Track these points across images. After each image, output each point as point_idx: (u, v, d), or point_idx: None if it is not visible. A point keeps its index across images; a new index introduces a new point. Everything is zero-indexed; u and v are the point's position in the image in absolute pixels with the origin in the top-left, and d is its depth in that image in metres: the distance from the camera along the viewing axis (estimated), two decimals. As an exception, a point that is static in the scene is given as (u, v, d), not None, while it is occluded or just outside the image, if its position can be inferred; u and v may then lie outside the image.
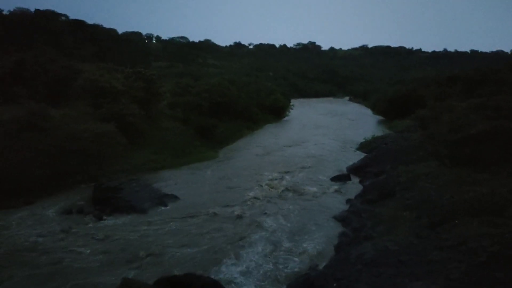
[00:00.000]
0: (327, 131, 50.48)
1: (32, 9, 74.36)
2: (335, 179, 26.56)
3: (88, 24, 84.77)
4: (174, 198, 22.26)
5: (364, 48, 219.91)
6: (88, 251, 15.70)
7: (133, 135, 30.98)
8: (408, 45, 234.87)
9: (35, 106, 26.66)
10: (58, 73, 34.92)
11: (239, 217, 19.41)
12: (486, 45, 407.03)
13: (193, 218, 19.27)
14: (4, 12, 70.97)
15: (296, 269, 14.27)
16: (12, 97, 29.93)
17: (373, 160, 29.45)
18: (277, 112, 64.27)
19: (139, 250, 15.63)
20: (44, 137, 25.30)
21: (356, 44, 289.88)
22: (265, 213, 19.90)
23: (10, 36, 56.30)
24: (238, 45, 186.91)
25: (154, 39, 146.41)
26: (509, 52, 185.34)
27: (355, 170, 28.54)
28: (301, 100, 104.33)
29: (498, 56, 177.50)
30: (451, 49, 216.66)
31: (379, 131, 45.81)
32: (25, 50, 41.51)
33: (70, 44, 69.35)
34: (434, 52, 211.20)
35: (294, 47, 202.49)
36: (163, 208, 20.87)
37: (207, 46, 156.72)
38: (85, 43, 74.19)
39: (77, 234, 17.35)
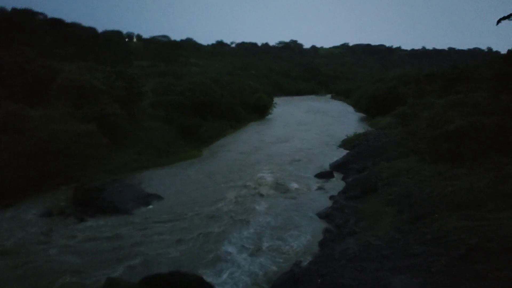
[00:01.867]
0: (310, 128, 50.83)
1: (9, 8, 72.76)
2: (319, 176, 26.79)
3: (67, 22, 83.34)
4: (158, 198, 22.10)
5: (345, 46, 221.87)
6: (69, 253, 15.47)
7: (115, 135, 30.58)
8: (388, 43, 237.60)
9: (13, 107, 26.05)
10: (36, 72, 34.22)
11: (223, 215, 19.39)
12: (463, 43, 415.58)
13: (177, 217, 19.18)
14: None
15: (281, 266, 14.36)
16: (-11, 97, 29.21)
17: (355, 157, 29.80)
18: (260, 111, 64.43)
19: (122, 251, 15.51)
20: (23, 138, 24.77)
21: (337, 42, 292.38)
22: (250, 211, 19.93)
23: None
24: (220, 43, 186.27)
25: (135, 38, 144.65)
26: (486, 50, 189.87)
27: (338, 167, 28.82)
28: (284, 98, 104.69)
29: (475, 53, 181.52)
30: (429, 47, 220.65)
31: (361, 128, 46.34)
32: (2, 49, 40.58)
33: (49, 43, 68.03)
34: (413, 50, 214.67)
35: (276, 45, 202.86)
36: (146, 208, 20.71)
37: (189, 45, 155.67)
38: (64, 42, 72.86)
39: (58, 236, 17.03)
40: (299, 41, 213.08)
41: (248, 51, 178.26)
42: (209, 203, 21.15)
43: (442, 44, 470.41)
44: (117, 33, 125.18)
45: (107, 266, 14.35)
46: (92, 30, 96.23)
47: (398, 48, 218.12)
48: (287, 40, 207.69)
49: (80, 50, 72.32)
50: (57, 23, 79.79)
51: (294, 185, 24.63)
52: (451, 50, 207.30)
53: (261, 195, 22.76)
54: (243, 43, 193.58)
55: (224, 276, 13.73)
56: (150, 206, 20.93)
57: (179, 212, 19.83)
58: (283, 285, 12.56)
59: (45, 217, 19.07)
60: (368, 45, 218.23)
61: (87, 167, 26.74)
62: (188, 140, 38.28)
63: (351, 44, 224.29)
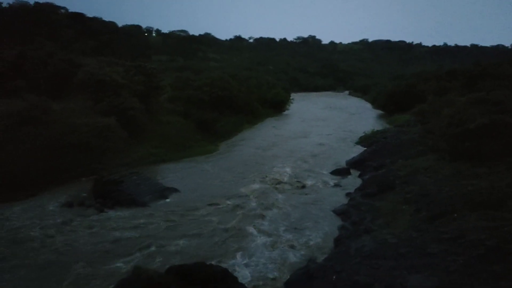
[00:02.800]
0: (327, 124, 50.54)
1: (32, 2, 74.19)
2: (335, 172, 26.67)
3: (88, 17, 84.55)
4: (175, 191, 22.39)
5: (364, 42, 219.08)
6: (89, 242, 15.86)
7: (134, 129, 31.00)
8: (408, 39, 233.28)
9: (36, 99, 26.65)
10: (58, 66, 34.87)
11: (239, 209, 19.57)
12: (486, 40, 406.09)
13: (194, 210, 19.43)
14: (4, 5, 70.84)
15: (296, 261, 14.43)
16: (13, 90, 29.93)
17: (372, 154, 29.54)
18: (277, 106, 64.28)
19: (139, 242, 15.83)
20: (45, 131, 25.37)
21: (356, 38, 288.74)
22: (265, 206, 20.05)
23: (10, 29, 56.18)
24: (238, 38, 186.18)
25: (154, 32, 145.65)
26: (510, 47, 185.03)
27: (355, 164, 28.64)
28: (301, 94, 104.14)
29: (499, 50, 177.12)
30: (451, 43, 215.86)
31: (378, 125, 45.86)
32: (25, 43, 41.47)
33: (70, 37, 69.18)
34: (434, 46, 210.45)
35: (294, 41, 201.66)
36: (164, 201, 21.00)
37: (207, 39, 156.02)
38: (85, 36, 73.99)
39: (78, 226, 17.48)
40: (318, 37, 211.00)
41: (266, 47, 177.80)
42: (226, 197, 21.32)
43: (464, 40, 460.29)
44: (137, 28, 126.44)
45: (125, 255, 14.68)
46: (112, 24, 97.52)
47: (419, 45, 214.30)
48: (305, 35, 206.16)
49: (100, 44, 73.38)
50: (78, 18, 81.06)
51: (311, 181, 24.60)
52: (474, 46, 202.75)
53: (278, 190, 22.83)
54: (261, 38, 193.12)
55: (242, 268, 13.90)
56: (167, 199, 21.21)
57: (196, 206, 20.07)
58: (298, 281, 12.62)
59: (66, 208, 19.58)
60: (388, 41, 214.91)
61: (106, 160, 27.23)
62: (205, 134, 38.53)
63: (370, 40, 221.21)
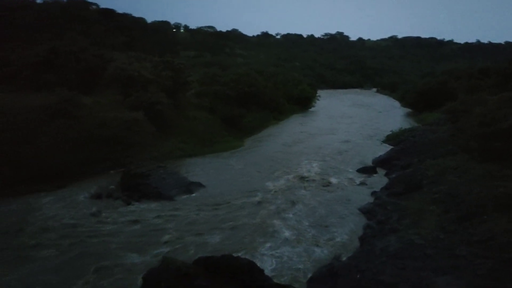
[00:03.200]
0: (354, 122, 49.95)
1: (65, -1, 76.11)
2: (361, 171, 26.36)
3: (118, 13, 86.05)
4: (200, 186, 22.64)
5: (393, 39, 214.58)
6: (117, 234, 16.28)
7: (161, 124, 31.52)
8: (439, 36, 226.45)
9: (67, 93, 27.46)
10: (89, 61, 35.75)
11: (265, 205, 19.63)
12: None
13: (219, 205, 19.62)
14: (38, 1, 73.02)
15: (320, 258, 14.39)
16: (45, 84, 30.88)
17: (400, 153, 29.03)
18: (303, 103, 63.96)
19: (166, 234, 16.15)
20: (75, 124, 26.11)
21: (385, 35, 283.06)
22: (291, 202, 20.05)
23: (43, 25, 57.79)
24: (265, 35, 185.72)
25: (182, 28, 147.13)
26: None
27: (381, 162, 28.21)
28: (328, 91, 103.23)
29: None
30: (484, 40, 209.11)
31: (406, 124, 44.98)
32: (57, 38, 42.63)
33: (101, 33, 70.67)
34: (466, 43, 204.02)
35: (321, 37, 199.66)
36: (189, 195, 21.28)
37: (234, 36, 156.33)
38: (115, 32, 75.40)
39: (106, 217, 17.97)
40: (346, 33, 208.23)
41: (293, 43, 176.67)
42: (251, 193, 21.42)
43: (498, 37, 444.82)
44: (165, 24, 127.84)
45: (151, 247, 15.00)
46: (141, 20, 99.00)
47: (450, 41, 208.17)
48: (333, 32, 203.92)
49: (129, 40, 74.65)
50: (109, 14, 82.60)
51: (336, 179, 24.41)
52: (508, 44, 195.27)
53: (303, 187, 22.78)
54: (288, 35, 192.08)
55: (266, 261, 13.99)
56: (193, 194, 21.48)
57: (221, 201, 20.25)
58: (322, 278, 12.59)
59: (95, 199, 20.14)
60: (418, 38, 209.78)
61: (134, 154, 27.80)
62: (231, 130, 38.77)
63: (399, 36, 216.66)
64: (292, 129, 45.10)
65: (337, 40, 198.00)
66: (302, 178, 24.30)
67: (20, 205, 19.03)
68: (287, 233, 16.33)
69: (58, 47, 35.50)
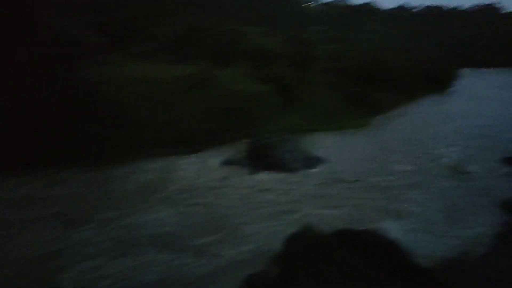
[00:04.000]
0: (500, 106, 44.05)
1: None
2: (506, 161, 23.19)
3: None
4: (322, 161, 22.46)
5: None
6: (244, 201, 17.19)
7: (286, 98, 31.95)
8: None
9: (203, 66, 29.55)
10: (223, 36, 37.71)
11: (391, 188, 18.66)
12: None
13: (340, 183, 19.30)
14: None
15: (446, 252, 13.14)
16: (185, 57, 33.61)
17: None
18: (441, 83, 58.43)
19: (290, 205, 16.52)
20: (208, 95, 28.04)
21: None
22: (420, 188, 18.71)
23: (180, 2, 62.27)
24: (401, 8, 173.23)
25: (312, 2, 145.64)
26: None
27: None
28: (472, 70, 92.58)
29: None
30: None
31: None
32: (195, 15, 45.69)
33: (234, 7, 73.68)
34: None
35: (468, 9, 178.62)
36: (311, 170, 21.30)
37: (367, 9, 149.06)
38: (246, 7, 77.86)
39: (234, 184, 19.13)
40: (500, 4, 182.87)
41: (432, 16, 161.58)
42: (375, 174, 20.58)
43: None
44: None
45: (275, 217, 15.44)
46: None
47: None
48: (483, 2, 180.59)
49: (261, 14, 76.49)
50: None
51: (475, 167, 21.94)
52: None
53: (434, 174, 21.01)
54: (427, 7, 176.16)
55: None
56: (315, 169, 21.45)
57: (343, 178, 19.90)
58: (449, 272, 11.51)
59: (224, 166, 21.59)
60: None
61: (259, 126, 28.77)
62: (357, 108, 37.42)
63: None
64: (425, 111, 41.80)
65: (486, 13, 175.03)
66: (436, 163, 22.47)
67: (162, 165, 21.36)
68: (410, 221, 15.28)
69: (197, 23, 38.09)
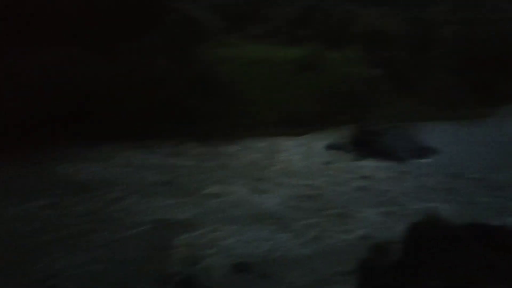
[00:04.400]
0: None
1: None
2: None
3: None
4: (434, 152, 21.27)
5: None
6: (347, 184, 17.29)
7: (400, 83, 30.46)
8: None
9: (316, 48, 29.53)
10: (340, 17, 37.06)
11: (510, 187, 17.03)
12: None
13: (453, 176, 18.16)
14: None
15: None
16: (298, 39, 33.86)
17: None
18: None
19: (392, 194, 16.17)
20: (319, 77, 28.06)
21: None
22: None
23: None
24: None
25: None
26: None
27: None
28: None
29: None
30: None
31: None
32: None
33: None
34: None
35: None
36: (420, 160, 20.37)
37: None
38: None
39: (337, 168, 19.22)
40: None
41: None
42: (492, 170, 18.87)
43: None
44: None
45: (378, 204, 15.41)
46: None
47: None
48: None
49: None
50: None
51: None
52: None
53: None
54: None
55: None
56: (425, 159, 20.45)
57: (456, 172, 18.65)
58: None
59: (329, 150, 21.70)
60: None
61: (368, 110, 28.02)
62: (481, 97, 34.09)
63: None
64: None
65: None
66: None
67: (269, 144, 22.28)
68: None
69: (314, 4, 38.01)
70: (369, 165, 19.66)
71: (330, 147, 21.90)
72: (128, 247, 12.29)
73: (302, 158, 20.42)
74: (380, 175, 18.32)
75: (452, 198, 15.87)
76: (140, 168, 18.63)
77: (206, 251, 12.09)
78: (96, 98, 21.38)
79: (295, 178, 17.88)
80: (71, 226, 13.37)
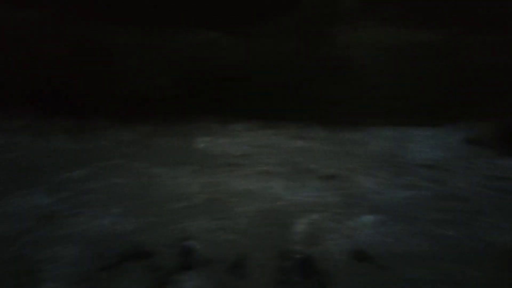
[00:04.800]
0: None
1: None
2: None
3: None
4: None
5: None
6: (489, 189, 15.61)
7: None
8: None
9: (456, 32, 27.00)
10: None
11: None
12: None
13: None
14: None
15: None
16: (437, 21, 31.30)
17: None
18: None
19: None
20: (457, 64, 25.76)
21: None
22: None
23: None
24: None
25: None
26: None
27: None
28: None
29: None
30: None
31: None
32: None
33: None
34: None
35: None
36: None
37: None
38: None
39: (474, 165, 17.55)
40: None
41: None
42: None
43: None
44: None
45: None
46: None
47: None
48: None
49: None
50: None
51: None
52: None
53: None
54: None
55: None
56: None
57: None
58: None
59: (465, 144, 20.04)
60: None
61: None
62: None
63: None
64: None
65: None
66: None
67: (398, 134, 21.16)
68: None
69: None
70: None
71: (467, 141, 20.28)
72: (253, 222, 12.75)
73: (433, 150, 19.19)
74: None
75: None
76: (263, 147, 19.12)
77: (330, 235, 12.12)
78: (230, 79, 22.62)
79: (425, 170, 16.65)
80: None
